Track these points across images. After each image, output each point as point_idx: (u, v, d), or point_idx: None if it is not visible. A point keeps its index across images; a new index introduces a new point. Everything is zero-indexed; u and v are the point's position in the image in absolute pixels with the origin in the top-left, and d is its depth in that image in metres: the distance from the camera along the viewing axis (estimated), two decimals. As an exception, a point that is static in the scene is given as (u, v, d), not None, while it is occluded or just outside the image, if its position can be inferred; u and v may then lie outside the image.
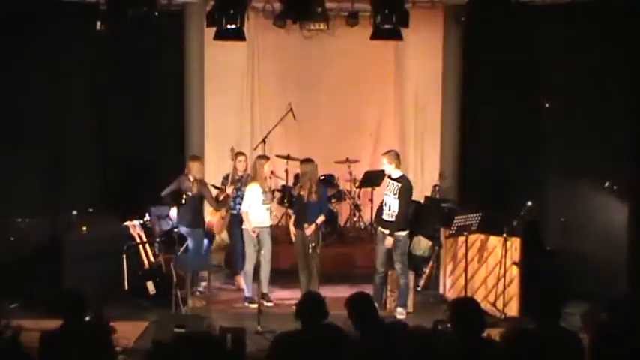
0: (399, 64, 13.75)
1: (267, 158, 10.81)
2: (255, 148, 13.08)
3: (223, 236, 12.01)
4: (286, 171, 12.83)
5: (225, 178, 11.07)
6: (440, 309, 10.09)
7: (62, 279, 10.01)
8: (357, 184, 13.06)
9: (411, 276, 10.52)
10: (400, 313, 10.16)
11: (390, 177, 10.21)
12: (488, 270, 10.45)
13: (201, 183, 10.67)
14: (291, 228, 10.63)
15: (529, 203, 10.05)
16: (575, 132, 11.47)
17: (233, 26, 10.45)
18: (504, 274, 10.08)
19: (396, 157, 10.20)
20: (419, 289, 11.15)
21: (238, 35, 10.66)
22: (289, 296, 10.69)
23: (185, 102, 12.94)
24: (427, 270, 11.53)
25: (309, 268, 10.45)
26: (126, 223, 10.74)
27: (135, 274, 10.52)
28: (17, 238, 10.65)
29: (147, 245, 10.73)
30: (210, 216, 11.06)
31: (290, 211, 12.08)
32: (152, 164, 12.56)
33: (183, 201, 10.56)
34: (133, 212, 11.02)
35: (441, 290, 11.24)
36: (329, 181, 12.74)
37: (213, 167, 12.25)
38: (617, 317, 9.13)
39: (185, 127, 13.00)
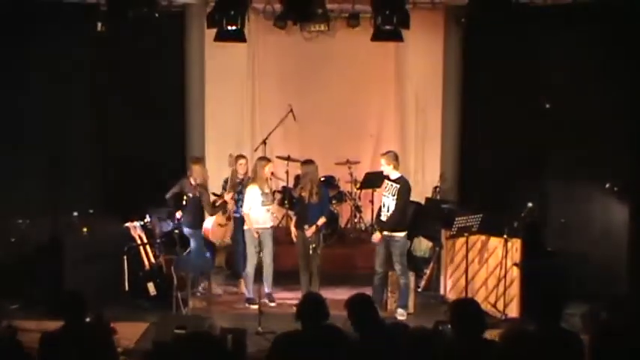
0: (400, 65, 13.74)
1: (268, 160, 10.79)
2: (255, 150, 13.07)
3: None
4: (287, 172, 12.83)
5: (226, 181, 11.08)
6: (440, 310, 10.09)
7: (63, 280, 10.01)
8: (358, 186, 13.06)
9: (412, 277, 10.52)
10: (401, 315, 10.15)
11: (388, 178, 10.20)
12: (488, 271, 10.44)
13: (201, 186, 10.66)
14: (292, 229, 10.64)
15: (530, 204, 10.05)
16: (575, 133, 11.46)
17: (233, 27, 10.47)
18: (505, 275, 10.07)
19: (395, 158, 10.19)
20: (419, 290, 11.14)
21: (239, 36, 10.68)
22: (290, 297, 10.69)
23: (185, 103, 12.95)
24: (428, 271, 11.53)
25: (310, 269, 10.46)
26: (126, 225, 10.75)
27: (135, 275, 10.54)
28: (18, 238, 10.65)
29: (147, 246, 10.74)
30: (207, 222, 11.00)
31: (291, 213, 12.09)
32: (153, 165, 12.56)
33: (184, 202, 10.61)
34: (134, 213, 11.02)
35: (442, 291, 11.24)
36: (329, 182, 12.74)
37: (213, 168, 12.17)
38: (617, 318, 9.13)
39: (185, 127, 13.00)
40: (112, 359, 6.53)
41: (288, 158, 12.89)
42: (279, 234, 11.61)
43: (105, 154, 12.67)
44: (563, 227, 11.38)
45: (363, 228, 13.25)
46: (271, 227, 10.62)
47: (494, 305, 10.09)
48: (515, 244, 10.08)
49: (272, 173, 10.80)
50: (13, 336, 7.61)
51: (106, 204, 11.93)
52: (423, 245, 12.38)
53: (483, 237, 10.48)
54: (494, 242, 10.34)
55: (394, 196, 10.04)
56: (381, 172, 10.44)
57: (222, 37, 10.74)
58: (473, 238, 10.43)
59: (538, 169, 12.06)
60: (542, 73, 11.91)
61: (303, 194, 10.53)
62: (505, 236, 10.00)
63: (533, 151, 12.15)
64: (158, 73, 12.63)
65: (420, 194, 13.30)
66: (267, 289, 10.67)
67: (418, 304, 10.60)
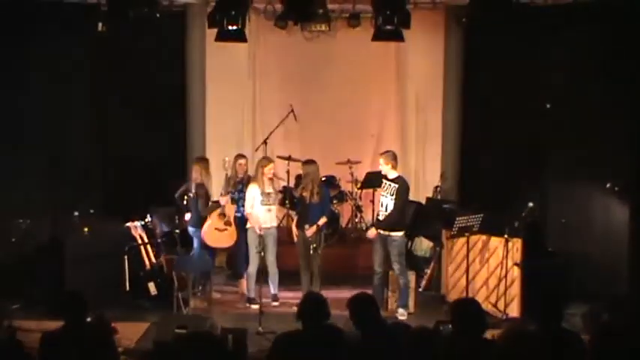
0: (401, 65, 13.73)
1: (269, 160, 10.78)
2: (256, 150, 13.08)
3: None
4: (288, 172, 12.83)
5: (227, 181, 11.07)
6: (441, 310, 10.10)
7: (63, 280, 10.01)
8: (359, 185, 13.05)
9: (412, 277, 10.52)
10: (401, 314, 10.15)
11: (386, 177, 10.20)
12: (489, 271, 10.44)
13: (199, 185, 10.69)
14: (294, 229, 10.65)
15: (530, 204, 10.05)
16: (576, 133, 11.46)
17: (234, 27, 10.47)
18: (506, 275, 10.07)
19: (393, 158, 10.19)
20: (420, 289, 11.14)
21: (240, 36, 10.68)
22: (291, 297, 10.69)
23: (186, 103, 12.95)
24: (428, 271, 11.53)
25: (311, 269, 10.47)
26: (127, 224, 10.74)
27: (136, 275, 10.54)
28: (18, 238, 10.65)
29: (148, 246, 10.74)
30: (205, 225, 10.96)
31: (292, 213, 12.09)
32: (153, 165, 12.57)
33: (185, 202, 10.63)
34: (134, 213, 11.02)
35: (443, 291, 11.24)
36: (330, 182, 12.74)
37: (214, 168, 12.19)
38: (618, 318, 9.13)
39: (186, 127, 13.00)
40: (113, 359, 6.53)
41: (289, 158, 12.88)
42: (281, 234, 11.60)
43: (105, 154, 12.68)
44: (564, 227, 11.39)
45: (364, 228, 13.21)
46: (275, 228, 10.61)
47: (495, 305, 10.09)
48: (516, 244, 10.09)
49: (273, 174, 10.71)
50: (13, 336, 7.61)
51: (106, 204, 11.94)
52: (423, 245, 12.37)
53: (484, 237, 10.48)
54: (495, 242, 10.34)
55: (392, 195, 10.04)
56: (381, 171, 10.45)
57: (223, 37, 10.75)
58: (474, 237, 10.42)
59: (539, 169, 12.07)
60: (542, 73, 11.91)
61: (304, 194, 10.54)
62: (506, 236, 10.00)
63: (534, 151, 12.15)
64: (159, 73, 12.62)
65: (420, 194, 13.33)
66: (272, 290, 10.68)
67: (419, 304, 10.60)
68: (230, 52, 12.57)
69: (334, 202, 12.67)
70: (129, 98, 12.53)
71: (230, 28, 10.47)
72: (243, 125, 13.68)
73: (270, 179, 10.61)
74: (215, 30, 10.76)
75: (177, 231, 10.63)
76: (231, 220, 10.68)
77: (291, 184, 12.67)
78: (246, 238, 10.68)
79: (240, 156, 11.11)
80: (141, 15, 10.23)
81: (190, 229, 10.82)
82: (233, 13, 10.38)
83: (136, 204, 11.39)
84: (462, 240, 10.55)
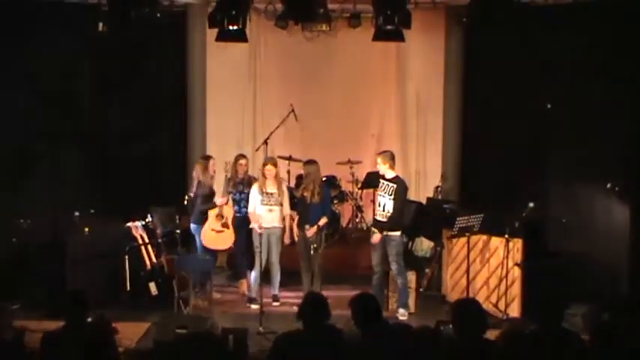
0: (401, 65, 13.74)
1: (269, 161, 10.78)
2: (257, 150, 13.08)
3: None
4: (288, 172, 12.83)
5: (228, 181, 11.08)
6: (442, 310, 10.09)
7: (64, 280, 10.01)
8: (359, 185, 13.06)
9: (413, 277, 10.52)
10: (402, 315, 10.15)
11: (383, 177, 10.20)
12: (490, 271, 10.44)
13: (199, 183, 10.76)
14: (294, 229, 10.65)
15: (531, 204, 10.04)
16: (576, 133, 11.46)
17: (235, 27, 10.48)
18: (506, 275, 10.07)
19: (391, 158, 10.19)
20: (421, 290, 11.14)
21: (240, 36, 10.68)
22: (292, 297, 10.69)
23: (187, 102, 12.96)
24: (429, 271, 11.53)
25: (312, 269, 10.48)
26: (128, 224, 10.74)
27: (137, 275, 10.53)
28: (19, 239, 10.66)
29: (149, 246, 10.74)
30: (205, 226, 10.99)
31: (293, 212, 12.07)
32: (154, 165, 12.59)
33: (186, 201, 10.68)
34: (135, 213, 11.02)
35: (443, 291, 11.24)
36: (331, 182, 12.74)
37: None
38: (618, 318, 9.12)
39: (187, 127, 13.01)
40: (114, 359, 6.53)
41: (289, 158, 12.88)
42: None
43: (106, 153, 12.67)
44: (565, 227, 11.38)
45: (365, 228, 13.24)
46: (279, 228, 10.58)
47: (495, 305, 10.09)
48: (517, 244, 10.09)
49: (275, 174, 10.65)
50: (20, 337, 7.61)
51: (107, 204, 11.92)
52: (424, 245, 12.38)
53: (485, 237, 10.48)
54: (496, 242, 10.34)
55: (391, 195, 10.04)
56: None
57: (224, 37, 10.75)
58: (474, 237, 10.43)
59: (539, 169, 12.06)
60: (542, 73, 11.91)
61: (305, 194, 10.54)
62: (506, 236, 10.00)
63: (534, 151, 12.15)
64: (159, 74, 12.64)
65: (421, 194, 13.36)
66: (273, 291, 10.70)
67: (419, 304, 10.60)
68: (231, 52, 12.59)
69: (335, 202, 12.67)
70: (129, 98, 12.54)
71: (231, 28, 10.48)
72: (244, 125, 13.69)
73: (277, 179, 10.58)
74: (216, 30, 10.77)
75: (177, 231, 10.63)
76: (229, 222, 10.68)
77: (292, 184, 12.67)
78: (246, 238, 10.70)
79: (240, 156, 11.11)
80: (141, 15, 10.23)
81: (192, 226, 10.86)
82: (234, 13, 10.39)
83: (137, 204, 11.38)
84: (462, 240, 10.56)
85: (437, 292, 11.34)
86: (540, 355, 5.89)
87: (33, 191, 11.45)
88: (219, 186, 10.94)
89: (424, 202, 12.88)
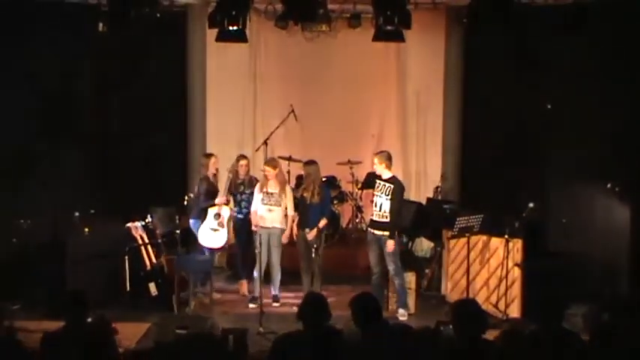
0: (401, 66, 13.74)
1: (269, 161, 10.81)
2: (257, 150, 13.08)
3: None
4: (288, 172, 12.82)
5: (229, 182, 11.12)
6: (442, 310, 10.09)
7: (64, 280, 10.01)
8: (359, 186, 13.05)
9: (413, 277, 10.52)
10: (402, 315, 10.14)
11: (380, 177, 10.20)
12: (490, 271, 10.44)
13: (201, 179, 10.90)
14: (294, 229, 10.66)
15: (531, 204, 10.04)
16: (576, 133, 11.46)
17: (235, 27, 10.48)
18: (506, 276, 10.07)
19: (388, 158, 10.19)
20: (421, 290, 11.13)
21: (240, 37, 10.68)
22: (292, 297, 10.70)
23: (187, 103, 12.96)
24: (429, 271, 11.53)
25: (312, 270, 10.48)
26: (128, 225, 10.74)
27: (137, 275, 10.53)
28: (19, 239, 10.65)
29: (149, 246, 10.74)
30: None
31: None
32: (154, 165, 12.58)
33: (186, 201, 10.77)
34: (135, 213, 11.02)
35: (443, 291, 11.24)
36: (331, 182, 12.74)
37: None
38: (618, 318, 9.12)
39: (187, 127, 13.01)
40: (114, 359, 6.53)
41: (289, 158, 12.88)
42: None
43: (106, 154, 12.67)
44: (565, 227, 11.38)
45: (365, 228, 13.23)
46: (279, 229, 10.57)
47: (495, 305, 10.09)
48: (517, 245, 10.09)
49: (275, 175, 10.63)
50: (13, 336, 7.60)
51: (107, 204, 11.93)
52: (424, 245, 12.39)
53: (485, 237, 10.48)
54: (496, 242, 10.34)
55: (387, 195, 10.04)
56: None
57: (224, 37, 10.75)
58: (474, 238, 10.43)
59: (539, 169, 12.07)
60: (542, 73, 11.91)
61: (305, 195, 10.55)
62: (506, 236, 10.00)
63: (534, 151, 12.15)
64: (159, 73, 12.64)
65: (421, 194, 13.36)
66: (273, 291, 10.70)
67: (419, 305, 10.60)
68: (231, 52, 12.59)
69: (335, 202, 12.67)
70: (129, 98, 12.54)
71: (231, 28, 10.48)
72: (244, 125, 13.69)
73: (279, 181, 10.56)
74: (216, 30, 10.77)
75: (177, 231, 10.63)
76: (224, 221, 10.70)
77: (292, 184, 12.66)
78: (246, 238, 10.72)
79: (241, 157, 11.13)
80: (141, 15, 10.23)
81: (191, 222, 10.92)
82: (234, 13, 10.39)
83: (137, 204, 11.39)
84: (462, 240, 10.56)
85: (437, 292, 11.34)
86: (540, 355, 5.89)
87: (33, 191, 11.44)
88: (222, 184, 10.98)
89: (424, 202, 12.87)
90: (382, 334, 6.15)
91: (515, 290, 10.13)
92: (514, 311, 10.08)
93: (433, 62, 13.44)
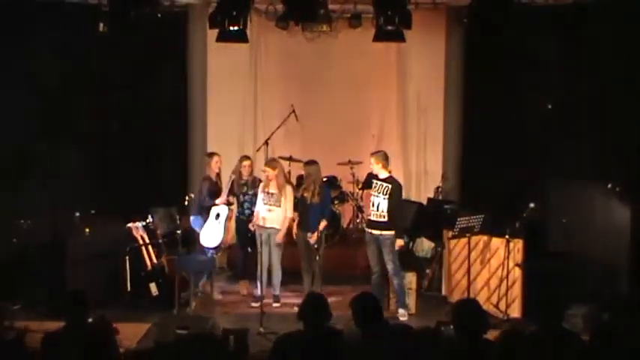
0: (402, 66, 13.74)
1: (269, 162, 10.84)
2: (257, 150, 13.09)
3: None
4: (289, 172, 12.81)
5: (232, 182, 11.15)
6: (442, 310, 10.08)
7: (64, 280, 10.01)
8: (360, 186, 13.04)
9: (413, 277, 10.52)
10: (402, 315, 10.14)
11: (376, 177, 10.21)
12: (490, 271, 10.44)
13: (203, 179, 11.04)
14: (294, 229, 10.67)
15: (532, 205, 10.04)
16: (577, 133, 11.46)
17: (236, 28, 10.48)
18: (507, 276, 10.07)
19: (384, 158, 10.21)
20: (422, 290, 11.13)
21: (241, 37, 10.68)
22: (292, 297, 10.70)
23: (188, 103, 12.96)
24: (430, 271, 11.53)
25: (313, 270, 10.48)
26: (128, 225, 10.74)
27: (137, 275, 10.53)
28: (19, 239, 10.65)
29: (149, 247, 10.74)
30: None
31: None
32: (154, 165, 12.58)
33: (186, 201, 10.84)
34: (136, 214, 11.02)
35: (444, 292, 11.25)
36: (331, 182, 12.74)
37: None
38: (618, 318, 9.12)
39: (188, 128, 13.01)
40: (114, 359, 6.53)
41: (290, 158, 12.88)
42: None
43: (106, 154, 12.67)
44: (565, 227, 11.37)
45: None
46: (278, 230, 10.54)
47: (496, 306, 10.09)
48: (517, 245, 10.09)
49: (274, 176, 10.63)
50: (22, 337, 7.60)
51: (107, 204, 11.93)
52: (425, 245, 12.37)
53: (485, 237, 10.48)
54: (496, 243, 10.34)
55: (385, 195, 10.05)
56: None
57: (225, 37, 10.75)
58: (475, 238, 10.43)
59: (539, 169, 12.06)
60: (543, 73, 11.91)
61: (305, 195, 10.56)
62: (507, 237, 10.01)
63: (535, 151, 12.15)
64: (160, 74, 12.64)
65: (421, 194, 13.37)
66: (274, 291, 10.70)
67: (420, 305, 10.59)
68: (231, 52, 12.58)
69: (335, 202, 12.67)
70: (129, 98, 12.53)
71: (231, 28, 10.48)
72: (244, 125, 13.69)
73: (279, 181, 10.55)
74: (216, 30, 10.77)
75: (178, 231, 10.64)
76: (222, 221, 10.74)
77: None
78: (248, 239, 10.73)
79: (244, 157, 11.17)
80: (142, 15, 10.23)
81: (191, 219, 11.01)
82: (234, 13, 10.39)
83: (137, 204, 11.39)
84: (463, 240, 10.56)
85: (437, 292, 11.35)
86: (541, 355, 5.89)
87: (33, 191, 11.44)
88: (225, 184, 11.04)
89: (425, 202, 12.87)
90: (382, 334, 6.15)
91: (516, 290, 10.13)
92: (515, 311, 10.09)
93: (433, 62, 13.44)
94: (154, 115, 12.65)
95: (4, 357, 5.95)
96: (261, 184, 10.67)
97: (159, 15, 10.48)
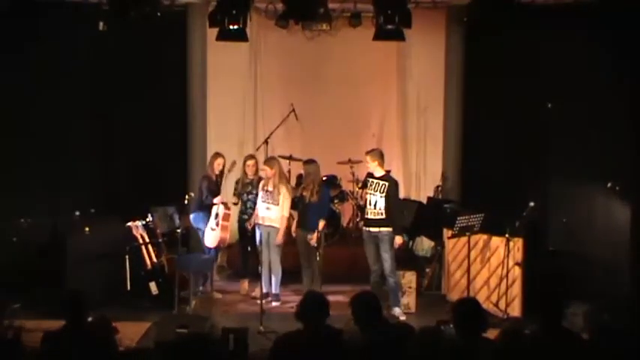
0: (402, 65, 13.74)
1: (267, 160, 10.84)
2: (257, 149, 13.07)
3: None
4: (289, 171, 12.81)
5: (237, 182, 11.17)
6: (442, 309, 10.07)
7: (64, 279, 10.01)
8: (360, 185, 13.04)
9: (413, 277, 10.52)
10: (398, 314, 10.13)
11: (372, 175, 10.22)
12: (490, 270, 10.45)
13: (203, 177, 11.11)
14: (293, 228, 10.67)
15: (531, 204, 10.04)
16: (577, 132, 11.46)
17: (236, 27, 10.48)
18: (507, 275, 10.07)
19: (380, 156, 10.23)
20: (422, 289, 11.13)
21: (241, 36, 10.68)
22: (292, 296, 10.70)
23: (187, 102, 12.94)
24: (429, 270, 11.53)
25: (312, 269, 10.49)
26: (128, 224, 10.75)
27: (137, 274, 10.54)
28: (19, 238, 10.64)
29: (149, 246, 10.75)
30: None
31: (293, 212, 12.08)
32: (154, 165, 12.57)
33: (186, 200, 10.85)
34: (135, 213, 11.02)
35: (444, 291, 11.26)
36: (331, 181, 12.74)
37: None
38: (618, 317, 9.13)
39: (187, 127, 12.99)
40: (114, 359, 6.53)
41: (290, 157, 12.88)
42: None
43: (106, 153, 12.67)
44: (565, 227, 11.38)
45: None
46: (276, 228, 10.55)
47: (496, 305, 10.09)
48: (517, 244, 10.10)
49: (272, 174, 10.64)
50: (18, 336, 7.60)
51: (107, 203, 11.93)
52: (424, 245, 12.38)
53: (485, 236, 10.49)
54: (496, 242, 10.35)
55: (382, 193, 10.06)
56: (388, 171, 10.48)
57: (224, 36, 10.75)
58: (475, 237, 10.44)
59: (540, 168, 12.06)
60: (543, 72, 11.90)
61: (304, 194, 10.57)
62: (507, 236, 10.02)
63: (535, 151, 12.14)
64: (160, 73, 12.63)
65: (421, 193, 13.36)
66: (274, 290, 10.70)
67: (420, 304, 10.60)
68: (231, 51, 12.57)
69: (335, 201, 12.68)
70: (130, 97, 12.52)
71: (231, 27, 10.49)
72: (244, 125, 13.68)
73: (275, 180, 10.55)
74: (216, 29, 10.77)
75: (178, 230, 10.64)
76: (220, 220, 10.78)
77: (292, 183, 12.66)
78: (250, 238, 10.75)
79: (248, 157, 11.22)
80: (142, 14, 10.23)
81: (191, 217, 11.06)
82: (234, 12, 10.39)
83: (137, 204, 11.38)
84: (463, 240, 10.56)
85: (437, 291, 11.36)
86: (540, 354, 5.89)
87: (33, 191, 11.44)
88: (224, 186, 11.10)
89: (425, 201, 12.87)
90: (382, 334, 6.15)
91: (516, 289, 10.13)
92: (514, 310, 10.09)
93: (433, 61, 13.43)
94: (154, 114, 12.62)
95: (4, 356, 5.94)
96: (260, 183, 10.67)
97: (159, 14, 10.45)
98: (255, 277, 10.63)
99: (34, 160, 11.61)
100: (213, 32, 11.06)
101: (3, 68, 11.23)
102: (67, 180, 11.83)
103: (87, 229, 10.56)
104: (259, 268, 10.52)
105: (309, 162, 10.76)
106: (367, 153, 10.37)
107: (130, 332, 8.81)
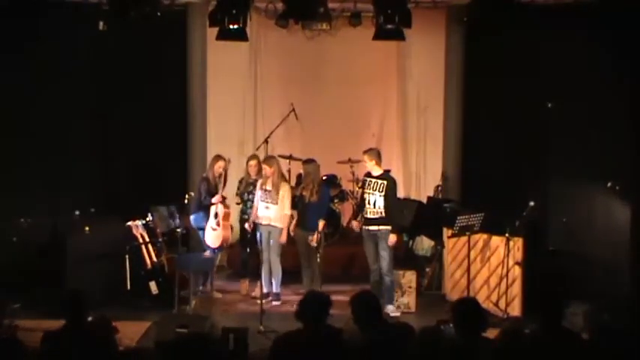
0: (402, 65, 13.73)
1: (266, 159, 10.83)
2: (257, 149, 13.06)
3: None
4: (289, 171, 12.81)
5: (240, 181, 11.18)
6: (442, 309, 10.07)
7: (64, 279, 10.01)
8: (360, 184, 13.03)
9: (413, 276, 10.52)
10: (392, 311, 10.13)
11: (370, 175, 10.23)
12: (490, 270, 10.45)
13: (201, 180, 11.08)
14: (292, 227, 10.67)
15: (532, 203, 10.05)
16: (577, 132, 11.46)
17: (236, 26, 10.48)
18: (507, 274, 10.07)
19: (377, 155, 10.26)
20: (422, 289, 11.13)
21: (241, 35, 10.68)
22: (293, 295, 10.70)
23: (187, 102, 12.94)
24: (429, 270, 11.53)
25: (312, 268, 10.48)
26: (128, 224, 10.75)
27: (137, 274, 10.54)
28: (19, 238, 10.64)
29: (149, 245, 10.75)
30: None
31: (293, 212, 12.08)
32: (154, 164, 12.57)
33: (186, 200, 10.90)
34: (135, 212, 11.02)
35: (444, 290, 11.25)
36: (331, 181, 12.74)
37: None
38: (618, 317, 9.13)
39: (187, 126, 12.99)
40: (114, 358, 6.53)
41: (289, 157, 12.87)
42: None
43: (106, 153, 12.67)
44: (565, 226, 11.38)
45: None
46: (275, 227, 10.56)
47: (496, 304, 10.09)
48: (517, 243, 10.10)
49: (271, 173, 10.63)
50: (14, 334, 7.60)
51: (107, 203, 11.93)
52: (424, 244, 12.37)
53: (485, 236, 10.49)
54: (496, 241, 10.35)
55: (381, 192, 10.08)
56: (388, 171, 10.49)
57: (224, 36, 10.75)
58: (475, 237, 10.43)
59: (540, 168, 12.06)
60: (543, 72, 11.90)
61: (304, 193, 10.57)
62: (507, 235, 10.02)
63: (535, 150, 12.14)
64: (160, 72, 12.63)
65: (421, 193, 13.36)
66: (274, 289, 10.70)
67: (420, 303, 10.60)
68: (231, 51, 12.57)
69: (335, 201, 12.68)
70: (130, 97, 12.52)
71: (231, 27, 10.49)
72: (244, 124, 13.67)
73: (274, 179, 10.55)
74: (216, 29, 10.77)
75: (178, 230, 10.64)
76: (220, 220, 10.79)
77: (292, 183, 12.66)
78: (251, 238, 10.75)
79: (252, 157, 11.22)
80: (142, 14, 10.23)
81: (191, 217, 11.07)
82: (234, 12, 10.39)
83: (137, 203, 11.38)
84: (463, 239, 10.56)
85: (437, 291, 11.36)
86: (540, 354, 5.89)
87: (33, 191, 11.44)
88: (227, 188, 11.14)
89: (425, 201, 12.86)
90: (382, 333, 6.15)
91: (516, 289, 10.13)
92: (514, 310, 10.09)
93: (433, 61, 13.42)
94: (154, 114, 12.62)
95: (4, 356, 5.94)
96: (259, 182, 10.67)
97: (159, 14, 10.45)
98: (255, 277, 10.66)
99: (34, 160, 11.60)
100: (213, 32, 11.06)
101: (3, 68, 11.23)
102: (67, 180, 11.83)
103: (87, 228, 10.56)
104: (260, 268, 10.52)
105: (309, 161, 10.76)
106: (365, 152, 10.39)
107: (130, 332, 8.81)
